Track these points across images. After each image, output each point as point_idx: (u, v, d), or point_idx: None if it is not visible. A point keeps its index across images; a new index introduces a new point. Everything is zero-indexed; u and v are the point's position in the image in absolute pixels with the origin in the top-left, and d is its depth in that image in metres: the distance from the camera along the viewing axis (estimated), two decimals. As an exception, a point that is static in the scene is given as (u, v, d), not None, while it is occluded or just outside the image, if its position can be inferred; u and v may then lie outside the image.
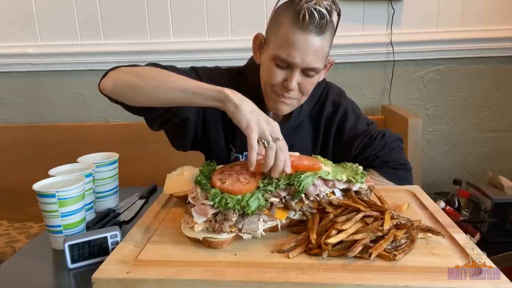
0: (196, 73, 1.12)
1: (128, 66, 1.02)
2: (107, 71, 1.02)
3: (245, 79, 1.14)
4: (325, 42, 0.97)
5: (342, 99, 1.20)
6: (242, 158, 1.17)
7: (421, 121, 1.74)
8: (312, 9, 0.91)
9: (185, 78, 0.92)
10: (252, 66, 1.11)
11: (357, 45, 2.01)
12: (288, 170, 0.81)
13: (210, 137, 1.17)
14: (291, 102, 1.06)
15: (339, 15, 1.01)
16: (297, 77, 0.99)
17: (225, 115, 0.99)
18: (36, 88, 2.17)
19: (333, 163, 0.95)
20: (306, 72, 0.99)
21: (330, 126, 1.18)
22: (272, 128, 0.83)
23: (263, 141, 0.80)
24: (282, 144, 0.82)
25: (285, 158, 0.81)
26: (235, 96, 0.84)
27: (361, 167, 0.92)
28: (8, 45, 2.09)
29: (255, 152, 0.79)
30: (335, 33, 1.03)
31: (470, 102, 2.12)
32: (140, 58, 2.07)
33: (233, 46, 2.01)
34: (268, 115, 1.12)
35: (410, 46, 2.02)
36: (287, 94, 1.02)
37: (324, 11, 0.92)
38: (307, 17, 0.91)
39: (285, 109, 1.08)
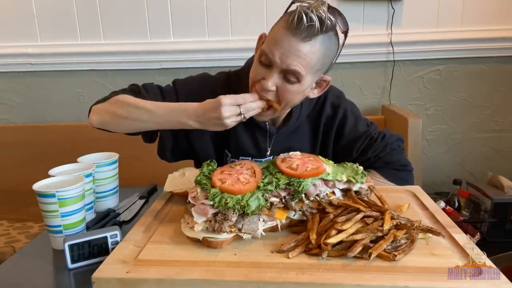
0: (175, 89, 1.17)
1: (107, 98, 1.11)
2: (90, 107, 1.13)
3: (240, 81, 1.14)
4: (312, 50, 0.92)
5: (341, 101, 1.19)
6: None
7: (421, 121, 1.74)
8: (303, 13, 0.89)
9: (147, 110, 1.02)
10: (248, 69, 1.11)
11: (357, 45, 2.01)
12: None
13: (196, 147, 1.18)
14: (268, 111, 1.03)
15: (344, 33, 0.98)
16: (275, 78, 0.95)
17: None
18: (36, 88, 2.17)
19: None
20: (287, 76, 0.95)
21: (329, 128, 1.17)
22: (226, 113, 0.93)
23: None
24: (243, 110, 0.96)
25: (252, 104, 0.97)
26: (195, 122, 0.97)
27: (361, 167, 0.92)
28: (8, 45, 2.09)
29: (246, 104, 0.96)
30: (338, 51, 0.99)
31: (470, 102, 2.12)
32: (140, 58, 2.08)
33: (233, 46, 2.01)
34: (266, 123, 1.13)
35: (410, 46, 2.02)
36: (265, 95, 0.99)
37: (315, 18, 0.89)
38: (295, 19, 0.90)
39: (263, 118, 1.06)
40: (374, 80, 2.11)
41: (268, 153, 1.16)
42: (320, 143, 1.19)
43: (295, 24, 0.90)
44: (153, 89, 1.15)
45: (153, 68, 2.09)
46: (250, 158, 1.16)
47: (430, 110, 2.14)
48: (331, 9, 0.95)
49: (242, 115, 0.95)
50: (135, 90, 1.13)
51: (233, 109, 0.94)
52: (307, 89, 1.01)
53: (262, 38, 1.05)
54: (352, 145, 1.16)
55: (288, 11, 0.99)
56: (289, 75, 0.95)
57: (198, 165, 1.23)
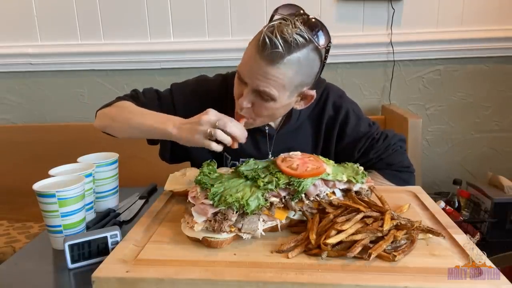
0: (171, 93, 1.18)
1: (110, 104, 1.14)
2: (96, 111, 1.17)
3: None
4: (280, 72, 0.90)
5: (343, 101, 1.18)
6: (239, 164, 1.16)
7: (421, 121, 1.73)
8: (267, 37, 0.87)
9: (142, 118, 1.02)
10: None
11: (357, 45, 2.01)
12: (242, 136, 0.91)
13: (193, 152, 1.18)
14: (249, 121, 1.02)
15: (326, 49, 0.95)
16: (249, 95, 0.95)
17: None
18: (36, 88, 2.17)
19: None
20: (261, 94, 0.95)
21: (331, 128, 1.17)
22: (205, 119, 0.89)
23: (209, 138, 0.89)
24: (221, 123, 0.88)
25: (235, 126, 0.89)
26: (174, 128, 0.93)
27: (361, 168, 0.92)
28: (8, 45, 2.09)
29: (214, 145, 0.89)
30: (321, 64, 0.97)
31: (470, 102, 2.12)
32: (140, 58, 2.08)
33: (233, 46, 2.01)
34: (265, 126, 1.13)
35: (410, 46, 2.02)
36: (239, 111, 0.99)
37: (279, 43, 0.87)
38: (260, 43, 0.88)
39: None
40: (374, 80, 2.11)
41: (270, 156, 1.16)
42: (322, 144, 1.19)
43: (261, 48, 0.89)
44: (151, 94, 1.19)
45: (153, 68, 2.09)
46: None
47: (430, 110, 2.14)
48: (310, 24, 0.91)
49: (212, 131, 0.87)
50: (134, 96, 1.17)
51: (214, 119, 0.89)
52: (287, 105, 1.00)
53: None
54: (353, 145, 1.16)
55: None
56: (262, 94, 0.94)
57: (195, 166, 1.23)
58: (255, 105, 0.97)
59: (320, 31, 0.92)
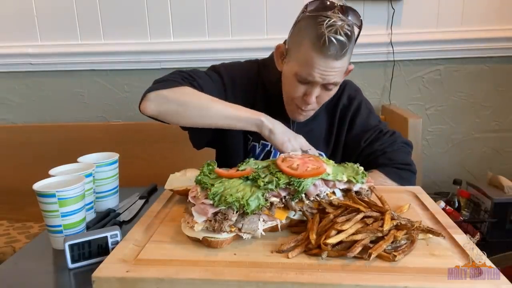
0: (219, 75, 1.21)
1: (163, 84, 1.09)
2: (145, 94, 1.09)
3: (267, 69, 1.22)
4: (345, 61, 1.03)
5: (358, 94, 1.28)
6: (259, 146, 1.23)
7: (421, 121, 1.74)
8: (333, 38, 0.96)
9: (223, 105, 1.07)
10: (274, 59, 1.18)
11: (357, 45, 1.99)
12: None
13: (228, 133, 1.22)
14: (308, 113, 1.16)
15: (360, 27, 1.05)
16: (316, 92, 1.07)
17: None
18: (36, 88, 2.17)
19: (343, 155, 1.05)
20: (326, 86, 1.07)
21: (344, 117, 1.25)
22: (301, 143, 1.05)
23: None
24: (312, 153, 1.00)
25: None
26: (269, 121, 1.05)
27: (361, 168, 0.92)
28: (8, 45, 2.09)
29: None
30: (354, 45, 1.07)
31: (470, 102, 2.12)
32: (140, 58, 2.08)
33: (233, 46, 2.02)
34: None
35: (410, 46, 2.02)
36: (305, 107, 1.11)
37: (344, 40, 0.97)
38: (327, 44, 0.97)
39: (302, 118, 1.19)
40: (374, 80, 2.11)
41: None
42: (335, 133, 1.26)
43: (327, 48, 0.97)
44: (204, 78, 1.17)
45: (153, 68, 2.09)
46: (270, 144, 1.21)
47: (430, 110, 2.14)
48: (346, 11, 1.00)
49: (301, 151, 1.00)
50: (188, 79, 1.13)
51: (305, 145, 1.06)
52: None
53: (280, 48, 1.13)
54: (361, 136, 1.22)
55: (299, 22, 1.05)
56: (328, 85, 1.06)
57: (222, 153, 1.31)
58: (318, 97, 1.10)
59: (354, 15, 1.02)
